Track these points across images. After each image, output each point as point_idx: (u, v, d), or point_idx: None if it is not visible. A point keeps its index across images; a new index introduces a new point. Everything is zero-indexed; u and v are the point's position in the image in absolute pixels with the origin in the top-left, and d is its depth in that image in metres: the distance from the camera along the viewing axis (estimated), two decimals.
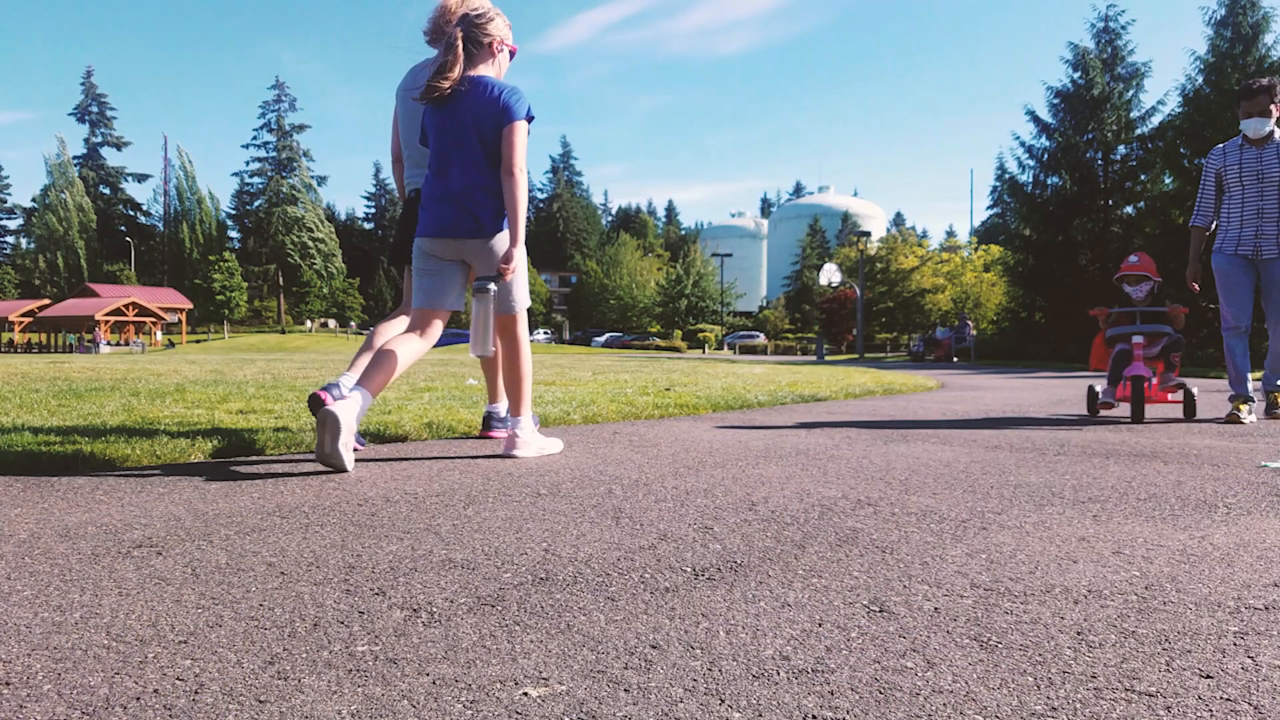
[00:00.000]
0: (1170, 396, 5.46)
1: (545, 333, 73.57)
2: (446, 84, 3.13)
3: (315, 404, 3.23)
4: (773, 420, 5.01)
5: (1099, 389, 5.47)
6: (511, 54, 3.43)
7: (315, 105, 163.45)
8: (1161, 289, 5.47)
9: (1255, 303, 5.34)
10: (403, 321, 3.59)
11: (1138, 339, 5.16)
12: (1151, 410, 5.76)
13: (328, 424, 2.81)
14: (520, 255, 3.15)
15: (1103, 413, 5.56)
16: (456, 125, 3.15)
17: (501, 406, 3.85)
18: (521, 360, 3.36)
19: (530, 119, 3.18)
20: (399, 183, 3.92)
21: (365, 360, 3.39)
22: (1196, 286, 5.34)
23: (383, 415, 4.44)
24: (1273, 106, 4.99)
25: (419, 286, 3.27)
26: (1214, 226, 5.32)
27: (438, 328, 3.29)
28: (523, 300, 3.35)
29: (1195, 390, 5.34)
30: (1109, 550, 1.89)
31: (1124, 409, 5.65)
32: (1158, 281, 5.36)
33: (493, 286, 3.14)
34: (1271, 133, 5.04)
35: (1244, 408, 4.98)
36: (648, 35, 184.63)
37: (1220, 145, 5.25)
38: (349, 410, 2.86)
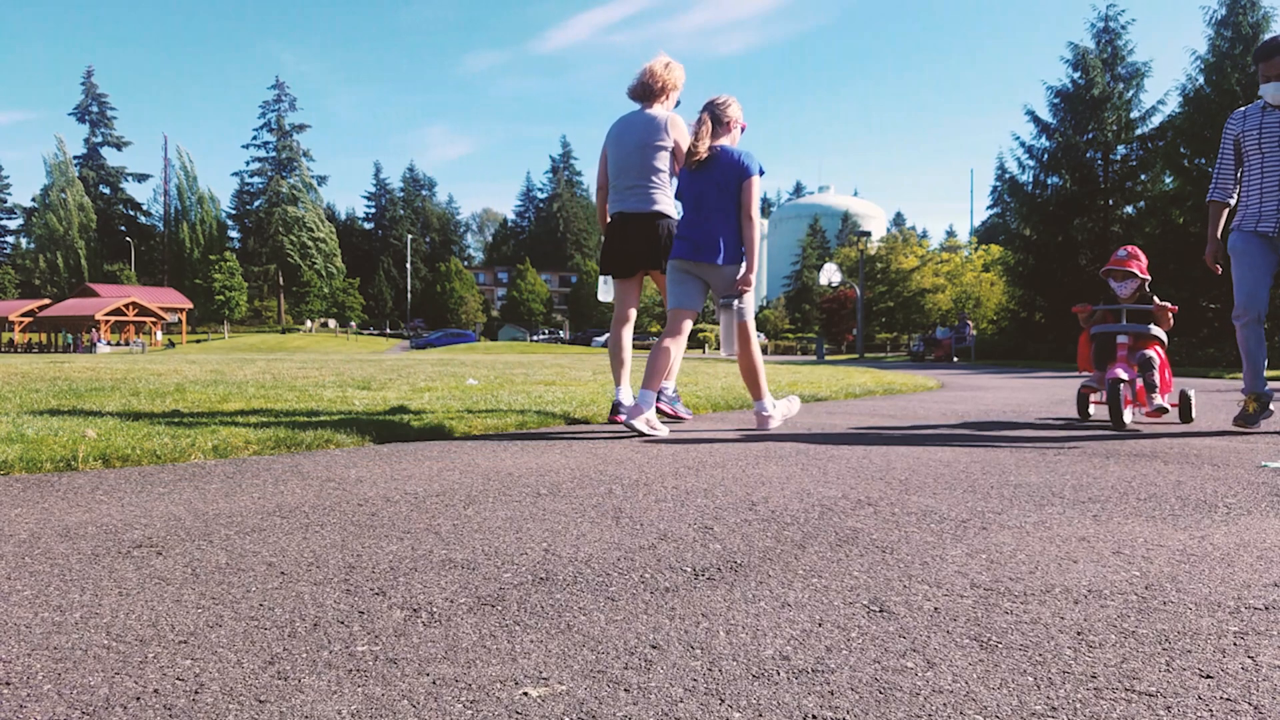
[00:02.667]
0: (1162, 417, 4.85)
1: (546, 332, 73.62)
2: (700, 154, 4.24)
3: (615, 412, 4.45)
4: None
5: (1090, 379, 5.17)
6: (742, 129, 4.47)
7: (315, 105, 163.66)
8: (1151, 288, 5.14)
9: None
10: (627, 326, 4.68)
11: (1122, 339, 4.86)
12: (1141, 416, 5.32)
13: (632, 430, 4.01)
14: (754, 277, 4.26)
15: (1094, 407, 5.27)
16: (707, 182, 4.23)
17: (627, 394, 4.60)
18: (754, 354, 4.40)
19: (761, 174, 4.24)
20: (602, 206, 4.81)
21: (625, 372, 4.59)
22: (1219, 269, 4.83)
23: (383, 415, 4.44)
24: None
25: (674, 293, 4.33)
26: (1234, 201, 4.74)
27: (688, 324, 4.37)
28: (751, 310, 4.38)
29: (1193, 393, 5.06)
30: (1109, 550, 1.89)
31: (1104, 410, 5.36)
32: (1145, 279, 5.03)
33: (736, 302, 4.22)
34: None
35: (1256, 406, 4.51)
36: (648, 35, 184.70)
37: (1240, 109, 4.66)
38: (640, 421, 4.01)
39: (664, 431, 4.15)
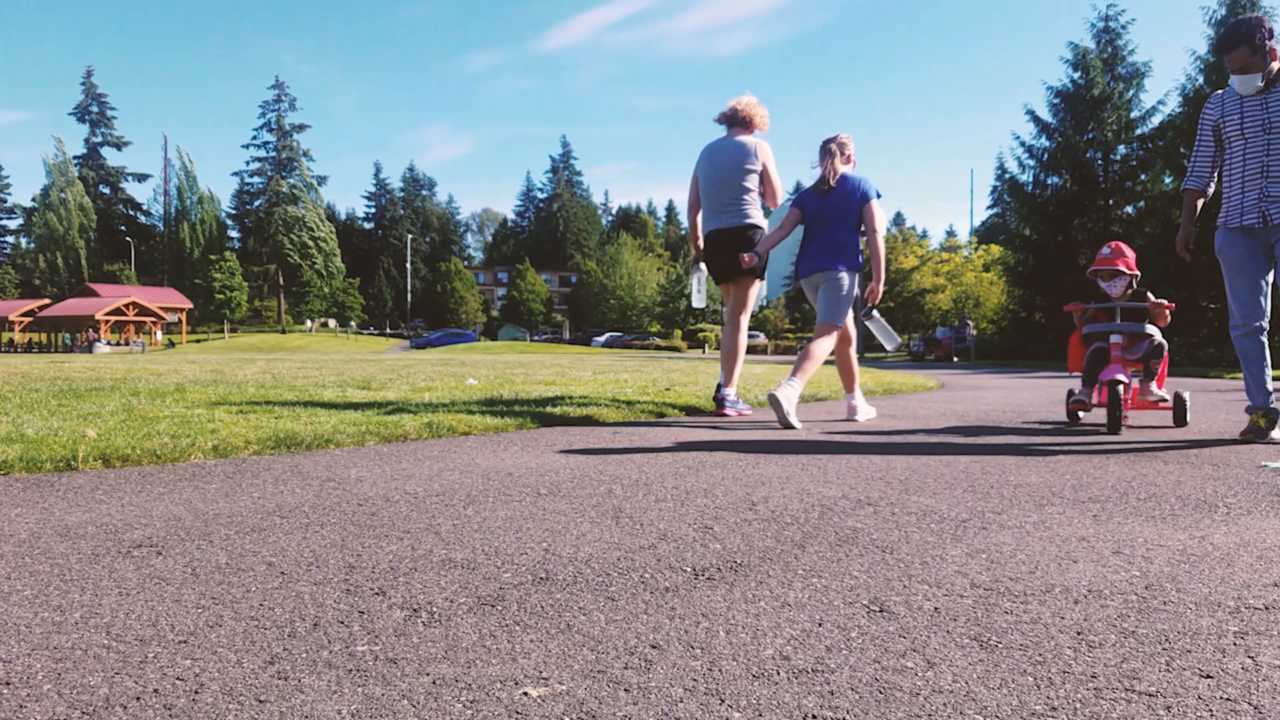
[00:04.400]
0: (1159, 405, 4.79)
1: (546, 332, 73.64)
2: (830, 182, 5.02)
3: (719, 404, 5.30)
4: (773, 420, 5.01)
5: (1077, 391, 4.81)
6: (853, 165, 5.23)
7: (315, 105, 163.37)
8: (1141, 283, 4.86)
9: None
10: (732, 327, 5.32)
11: (1116, 338, 4.61)
12: (1137, 417, 5.18)
13: (777, 407, 4.59)
14: (881, 286, 4.97)
15: (1080, 414, 4.95)
16: (832, 206, 5.00)
17: (732, 390, 5.34)
18: (853, 353, 5.22)
19: (879, 197, 5.01)
20: (693, 222, 5.45)
21: (735, 367, 5.29)
22: (1188, 255, 4.35)
23: (383, 415, 4.44)
24: (1261, 55, 3.88)
25: (821, 305, 5.08)
26: (1212, 190, 4.32)
27: (849, 332, 5.22)
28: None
29: (1187, 396, 4.77)
30: (1109, 550, 1.89)
31: (1100, 414, 5.16)
32: (1135, 276, 4.78)
33: (875, 313, 5.36)
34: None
35: (1265, 421, 4.01)
36: (648, 35, 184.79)
37: (1219, 92, 4.19)
38: (789, 400, 4.59)
39: (872, 412, 5.27)
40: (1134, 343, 4.68)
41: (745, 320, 5.29)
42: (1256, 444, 3.89)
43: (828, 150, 5.02)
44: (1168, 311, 4.65)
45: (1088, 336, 4.83)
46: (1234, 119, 4.07)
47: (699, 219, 5.35)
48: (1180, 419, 4.71)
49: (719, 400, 5.29)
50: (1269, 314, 4.09)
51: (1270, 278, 4.07)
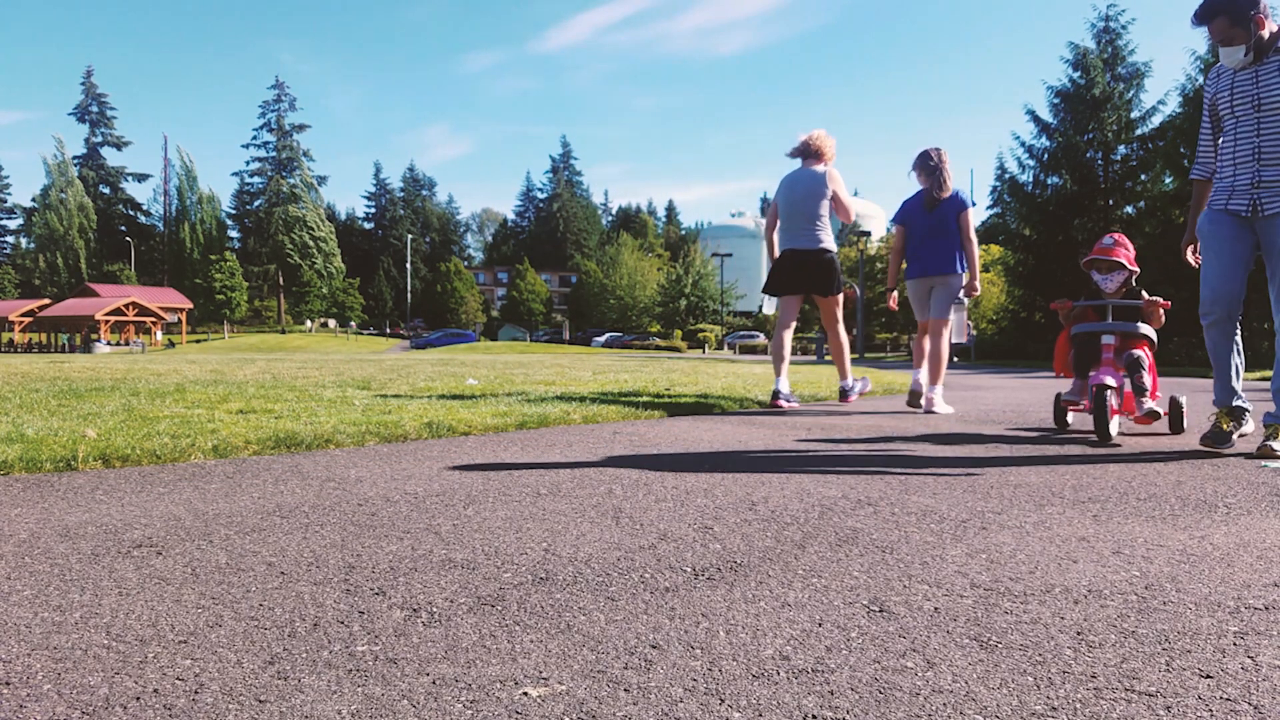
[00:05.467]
0: (1153, 422, 4.32)
1: (545, 332, 73.64)
2: (941, 196, 5.67)
3: (775, 398, 5.83)
4: (773, 420, 5.01)
5: (1066, 392, 4.57)
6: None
7: (315, 105, 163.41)
8: (1140, 284, 4.53)
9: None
10: (788, 331, 6.06)
11: (1108, 339, 4.19)
12: (1129, 423, 4.67)
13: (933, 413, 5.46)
14: (977, 286, 5.75)
15: (1072, 415, 4.64)
16: (937, 216, 5.68)
17: (851, 381, 6.24)
18: (944, 346, 5.77)
19: (973, 205, 5.64)
20: (770, 240, 6.17)
21: (785, 366, 5.99)
22: (1195, 258, 3.99)
23: (383, 415, 4.44)
24: (1243, 25, 3.50)
25: (919, 308, 5.85)
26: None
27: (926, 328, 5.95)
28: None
29: (1184, 400, 4.42)
30: (1109, 550, 1.89)
31: (1088, 420, 4.80)
32: (1134, 272, 4.39)
33: (965, 301, 5.78)
34: (1272, 40, 3.51)
35: (1230, 423, 3.66)
36: (647, 35, 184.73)
37: (1217, 64, 3.78)
38: (941, 404, 5.73)
39: (948, 409, 5.76)
40: (1128, 345, 4.31)
41: (841, 328, 6.16)
42: (1219, 451, 3.54)
43: (933, 167, 5.67)
44: (1162, 311, 4.28)
45: (1076, 337, 4.41)
46: (1225, 96, 3.68)
47: (775, 237, 6.13)
48: (1177, 426, 4.34)
49: (843, 392, 6.29)
50: (1240, 304, 3.70)
51: (1247, 269, 3.68)
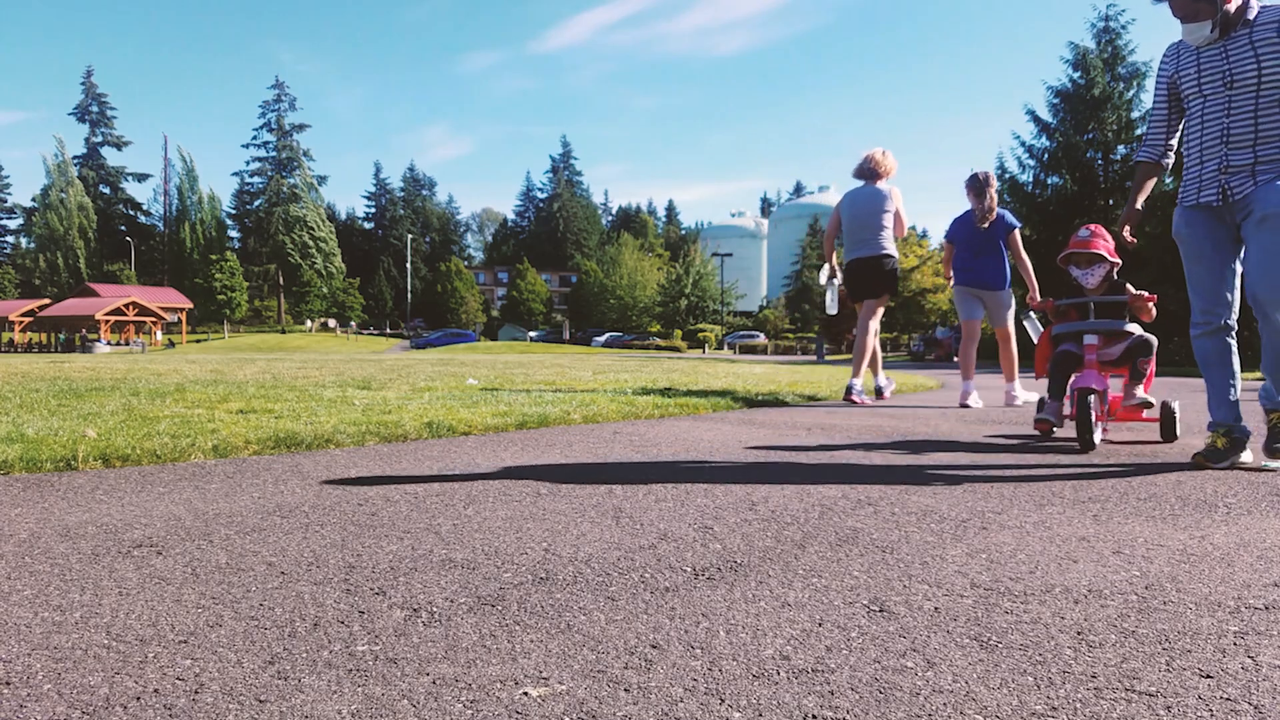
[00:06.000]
0: (1144, 414, 4.10)
1: (544, 331, 73.68)
2: (991, 215, 6.34)
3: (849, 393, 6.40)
4: (773, 420, 5.01)
5: (1044, 408, 4.10)
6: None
7: (315, 105, 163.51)
8: (1141, 284, 4.21)
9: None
10: (863, 331, 6.64)
11: (1090, 339, 3.87)
12: (1117, 431, 4.44)
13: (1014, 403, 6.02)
14: (1037, 295, 5.82)
15: (1042, 432, 4.19)
16: (989, 234, 6.34)
17: (884, 381, 6.97)
18: (1014, 348, 6.64)
19: (1020, 226, 6.31)
20: (830, 248, 7.05)
21: (864, 363, 6.54)
22: (1130, 238, 3.59)
23: (383, 415, 4.44)
24: (1208, 1, 3.17)
25: (965, 308, 6.60)
26: (1169, 161, 3.59)
27: (977, 329, 6.65)
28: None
29: (1177, 406, 4.03)
30: (1109, 550, 1.89)
31: (1070, 428, 4.37)
32: (1116, 264, 4.01)
33: (1033, 315, 6.02)
34: (1239, 13, 3.17)
35: (1225, 440, 3.23)
36: (647, 35, 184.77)
37: (1174, 43, 3.44)
38: (1026, 396, 6.38)
39: (1032, 396, 6.34)
40: (1112, 343, 3.98)
41: (876, 325, 6.75)
42: (1210, 468, 3.17)
43: (982, 189, 6.40)
44: (1151, 305, 3.91)
45: (1057, 337, 4.10)
46: (1190, 74, 3.31)
47: (837, 247, 6.98)
48: (1169, 433, 3.98)
49: (878, 390, 6.91)
50: (1236, 308, 3.34)
51: (1238, 266, 3.31)
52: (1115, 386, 4.33)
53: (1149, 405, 3.82)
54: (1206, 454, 3.23)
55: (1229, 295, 3.32)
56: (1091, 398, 3.66)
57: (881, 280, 6.57)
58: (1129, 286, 4.02)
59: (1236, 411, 3.30)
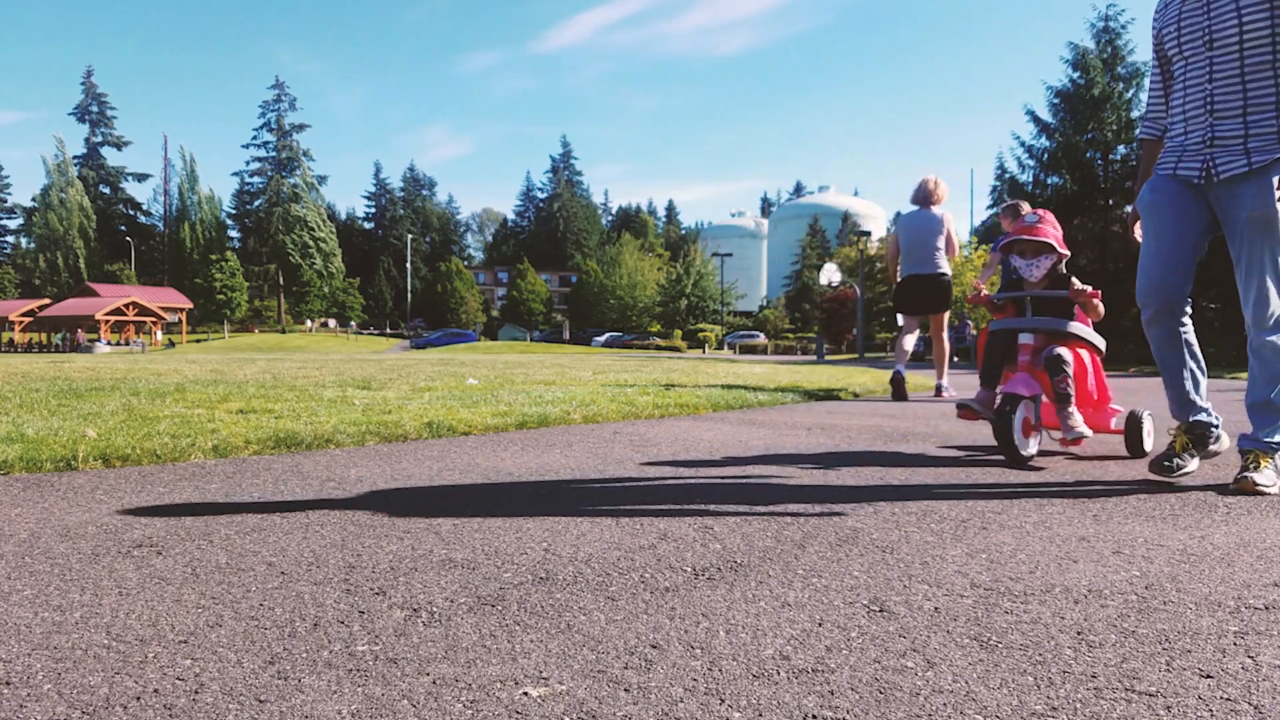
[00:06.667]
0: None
1: (544, 330, 73.73)
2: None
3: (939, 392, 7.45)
4: (773, 420, 5.01)
5: (973, 398, 3.59)
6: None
7: (315, 105, 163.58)
8: (1070, 267, 3.66)
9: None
10: (910, 336, 7.59)
11: (1025, 338, 3.37)
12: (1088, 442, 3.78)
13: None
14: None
15: (965, 421, 3.87)
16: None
17: (946, 382, 7.61)
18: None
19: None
20: (893, 267, 7.67)
21: (945, 364, 7.70)
22: (1138, 236, 3.13)
23: (383, 415, 4.44)
24: None
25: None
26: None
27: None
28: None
29: (1147, 416, 3.54)
30: (1109, 550, 1.89)
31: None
32: (1064, 255, 3.52)
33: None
34: None
35: (1187, 441, 2.92)
36: (647, 35, 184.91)
37: None
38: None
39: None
40: (1053, 343, 3.43)
41: (945, 335, 7.68)
42: (1161, 478, 2.84)
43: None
44: (1098, 302, 3.44)
45: (992, 336, 3.57)
46: (1171, 31, 2.90)
47: (899, 266, 7.57)
48: (1136, 447, 3.49)
49: (939, 389, 7.60)
50: (1186, 294, 2.92)
51: (1196, 252, 2.90)
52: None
53: (1082, 437, 3.21)
54: (1159, 464, 2.85)
55: (1180, 280, 2.89)
56: (1018, 405, 3.20)
57: (939, 295, 7.35)
58: (1075, 281, 3.52)
59: (1196, 406, 2.97)
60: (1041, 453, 3.52)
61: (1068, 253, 3.54)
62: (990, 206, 29.55)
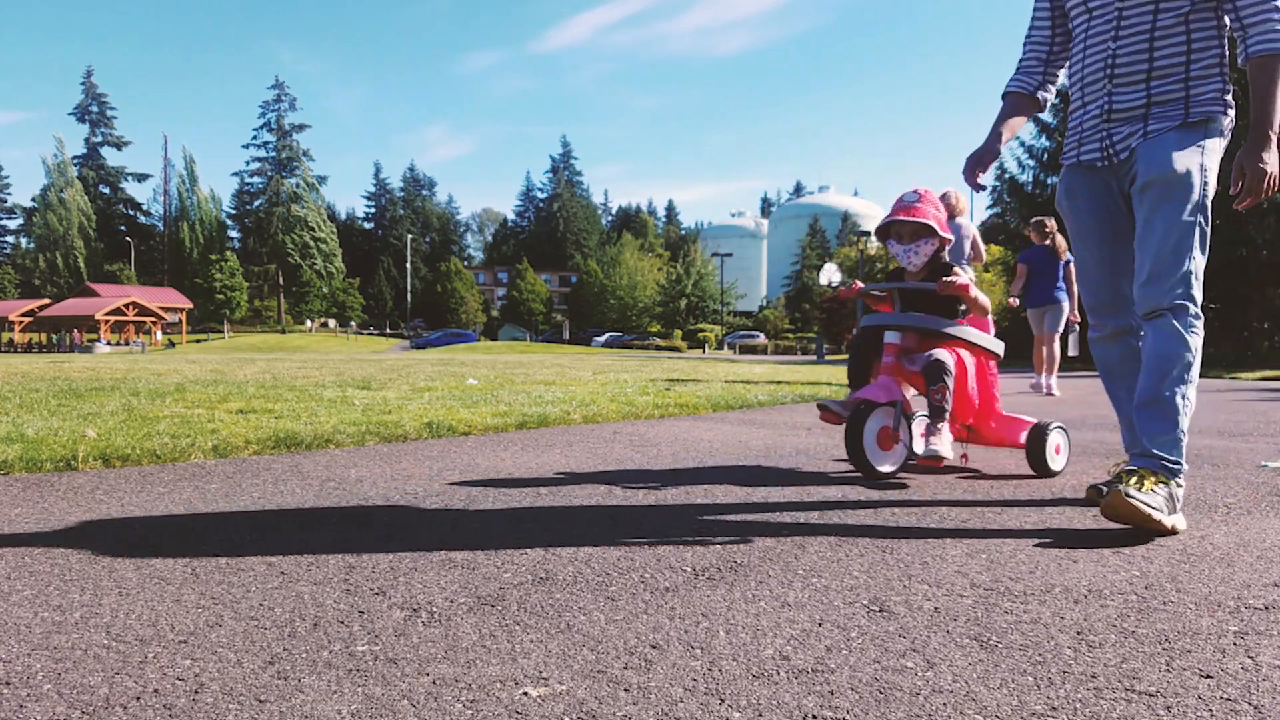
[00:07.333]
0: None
1: (545, 330, 73.75)
2: (1061, 255, 8.03)
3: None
4: (773, 420, 5.01)
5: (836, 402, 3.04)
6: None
7: (315, 105, 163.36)
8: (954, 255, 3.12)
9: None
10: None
11: (891, 337, 2.92)
12: (993, 457, 3.43)
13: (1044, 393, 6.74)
14: (1076, 315, 8.00)
15: (826, 422, 3.09)
16: (1054, 264, 8.14)
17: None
18: (1056, 350, 8.34)
19: (1071, 259, 7.63)
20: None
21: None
22: (978, 184, 2.55)
23: (383, 415, 4.44)
24: None
25: (1035, 324, 8.33)
26: (1045, 95, 2.67)
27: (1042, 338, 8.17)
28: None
29: (1056, 433, 3.01)
30: (1109, 550, 1.89)
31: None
32: (947, 240, 3.02)
33: (1076, 328, 8.23)
34: None
35: (1135, 483, 2.06)
36: (647, 35, 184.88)
37: None
38: (1055, 387, 8.13)
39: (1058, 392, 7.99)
40: (925, 346, 2.93)
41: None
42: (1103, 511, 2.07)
43: (1048, 233, 8.16)
44: (976, 294, 2.95)
45: (861, 332, 3.10)
46: None
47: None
48: (1039, 464, 2.95)
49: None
50: (1120, 293, 2.42)
51: (1134, 242, 2.31)
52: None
53: (939, 459, 2.73)
54: (1095, 492, 2.44)
55: (1121, 288, 2.40)
56: (875, 413, 2.81)
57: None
58: (957, 270, 2.99)
59: (1143, 440, 2.27)
60: (946, 470, 3.05)
61: (950, 238, 3.06)
62: (990, 206, 29.54)
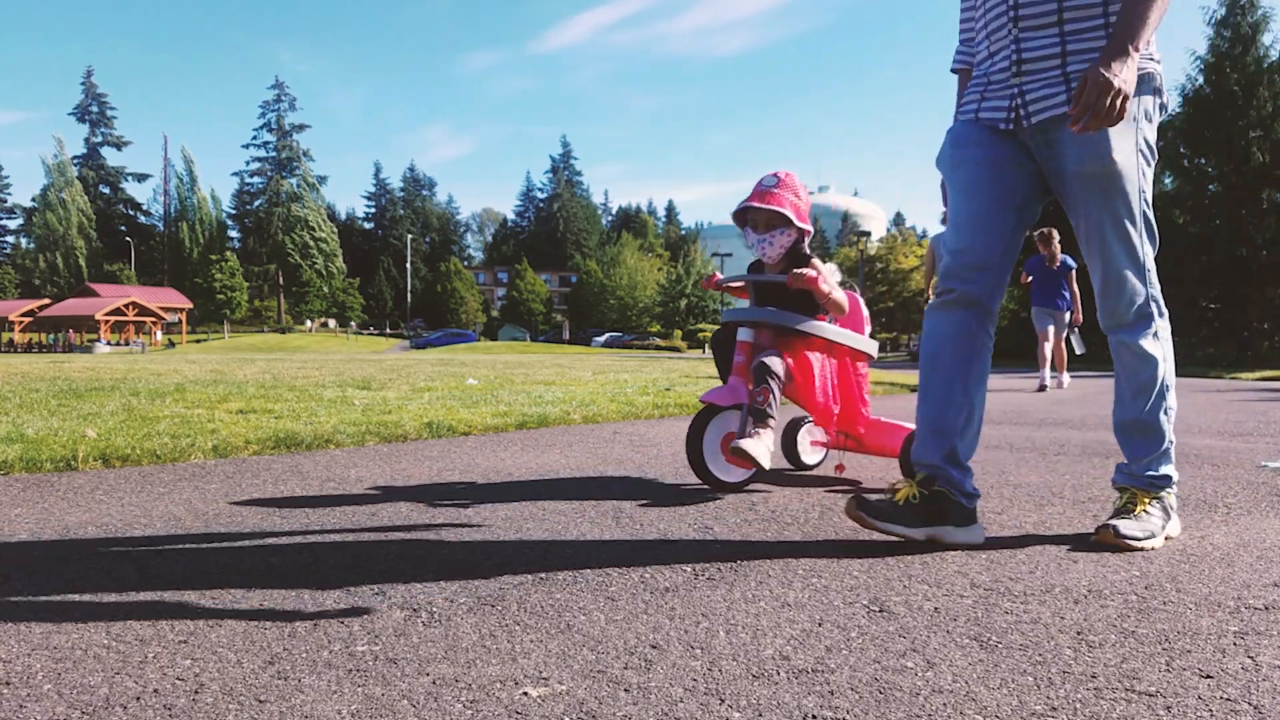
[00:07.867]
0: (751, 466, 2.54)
1: (546, 331, 73.75)
2: (1057, 261, 8.66)
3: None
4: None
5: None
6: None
7: (315, 105, 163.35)
8: (813, 246, 2.88)
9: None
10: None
11: (744, 334, 2.69)
12: (865, 464, 3.22)
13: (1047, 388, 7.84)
14: (1080, 318, 8.57)
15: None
16: (1054, 271, 8.61)
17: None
18: (1063, 349, 9.09)
19: (1076, 267, 8.73)
20: (928, 279, 9.19)
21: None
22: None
23: (383, 415, 4.44)
24: None
25: (1041, 324, 8.82)
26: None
27: (1049, 336, 8.82)
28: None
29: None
30: (1109, 550, 1.89)
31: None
32: (805, 231, 2.74)
33: (1077, 330, 8.70)
34: None
35: (909, 491, 1.96)
36: (647, 35, 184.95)
37: None
38: (1061, 383, 9.05)
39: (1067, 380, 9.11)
40: (781, 342, 2.67)
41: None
42: (864, 524, 1.93)
43: (1049, 239, 8.57)
44: (829, 288, 2.65)
45: (720, 329, 2.87)
46: None
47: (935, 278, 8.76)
48: (907, 469, 2.71)
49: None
50: (1004, 278, 2.10)
51: (1022, 220, 2.07)
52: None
53: (744, 456, 2.41)
54: (859, 504, 1.94)
55: (1000, 253, 2.07)
56: (716, 418, 2.62)
57: None
58: (816, 263, 2.74)
59: (952, 445, 2.00)
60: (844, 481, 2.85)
61: (809, 228, 2.76)
62: None
